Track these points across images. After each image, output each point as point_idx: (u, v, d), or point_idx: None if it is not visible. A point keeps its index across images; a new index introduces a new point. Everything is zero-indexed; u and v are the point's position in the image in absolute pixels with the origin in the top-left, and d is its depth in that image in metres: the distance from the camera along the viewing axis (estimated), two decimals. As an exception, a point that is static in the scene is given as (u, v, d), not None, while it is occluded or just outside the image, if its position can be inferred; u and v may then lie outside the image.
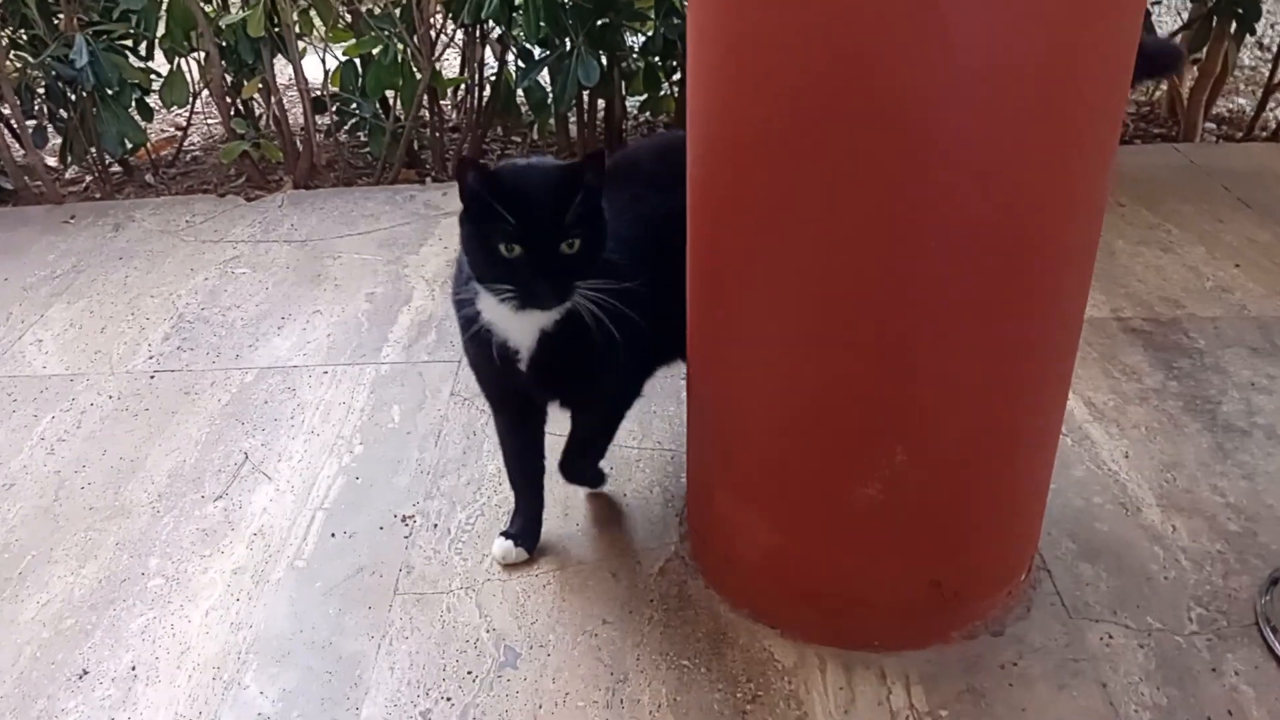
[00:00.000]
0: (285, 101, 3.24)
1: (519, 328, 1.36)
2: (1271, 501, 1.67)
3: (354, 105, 3.10)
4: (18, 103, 2.97)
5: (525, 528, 1.60)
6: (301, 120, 3.17)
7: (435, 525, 1.68)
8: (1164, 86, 3.38)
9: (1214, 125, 3.36)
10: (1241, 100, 3.56)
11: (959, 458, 1.32)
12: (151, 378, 2.12)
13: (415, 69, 2.92)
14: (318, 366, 2.12)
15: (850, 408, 1.27)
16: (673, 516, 1.67)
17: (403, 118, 3.10)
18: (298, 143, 3.20)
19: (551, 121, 3.27)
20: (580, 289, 1.29)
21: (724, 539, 1.51)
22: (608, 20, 2.79)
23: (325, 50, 3.17)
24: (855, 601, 1.41)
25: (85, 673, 1.44)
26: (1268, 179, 2.85)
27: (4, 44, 2.97)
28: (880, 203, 1.14)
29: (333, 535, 1.67)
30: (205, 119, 3.55)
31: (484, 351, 1.39)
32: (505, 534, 1.60)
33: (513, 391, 1.48)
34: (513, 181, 1.27)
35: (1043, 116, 1.12)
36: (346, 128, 3.25)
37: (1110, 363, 2.05)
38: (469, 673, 1.42)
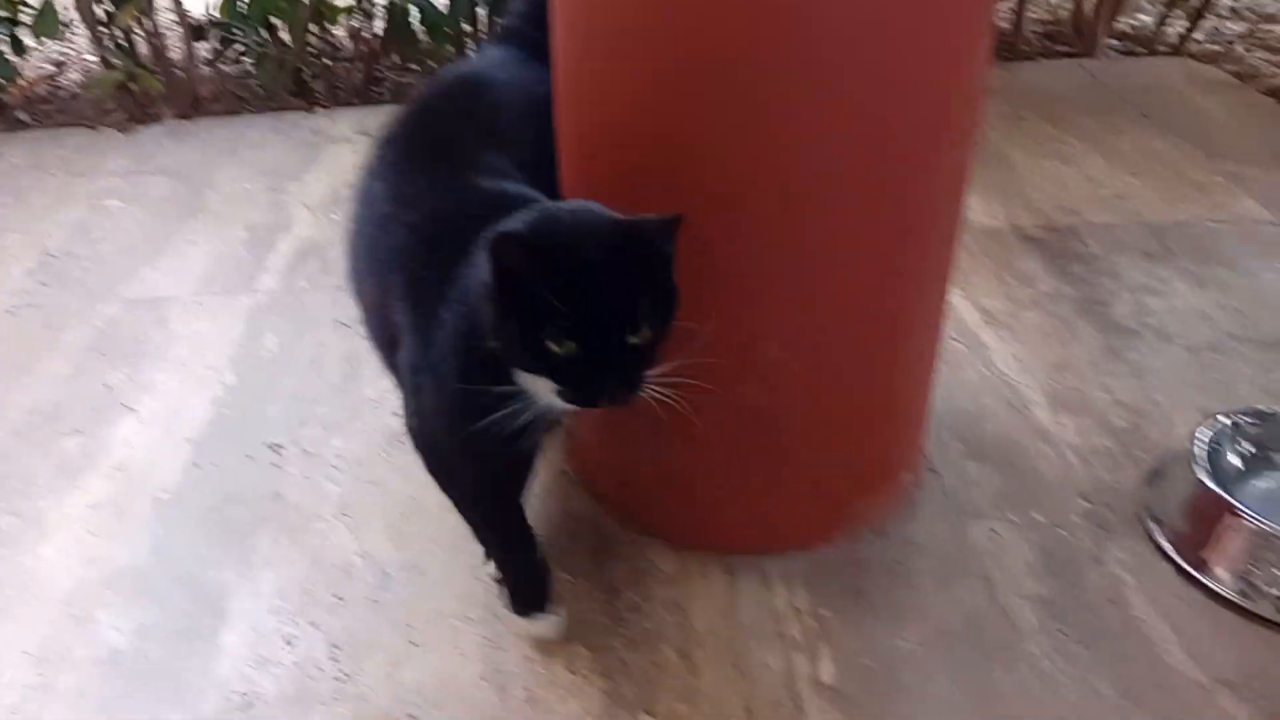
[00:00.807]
0: (165, 30, 3.07)
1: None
2: (1159, 398, 1.67)
3: (237, 32, 2.94)
4: None
5: (544, 586, 1.29)
6: (183, 49, 3.00)
7: (308, 452, 1.60)
8: (1069, 4, 3.37)
9: (1117, 41, 3.35)
10: (1145, 16, 3.56)
11: (836, 355, 1.28)
12: (11, 314, 2.00)
13: (299, -8, 2.77)
14: (190, 298, 2.01)
15: (722, 305, 1.22)
16: (558, 434, 1.62)
17: (290, 44, 2.95)
18: (179, 74, 3.03)
19: (449, 48, 3.15)
20: (649, 382, 1.03)
21: (604, 451, 1.46)
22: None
23: (205, -26, 3.00)
24: (737, 506, 1.38)
25: (-76, 616, 1.35)
26: (1168, 92, 2.85)
27: None
28: (754, 92, 1.09)
29: (198, 467, 1.59)
30: (86, 54, 3.35)
31: (514, 431, 1.08)
32: (530, 610, 1.27)
33: (528, 456, 1.25)
34: (567, 260, 0.97)
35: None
36: (231, 56, 3.09)
37: (1006, 270, 2.03)
38: (338, 597, 1.35)
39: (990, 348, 1.80)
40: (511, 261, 0.96)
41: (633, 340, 0.99)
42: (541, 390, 1.03)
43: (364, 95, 3.08)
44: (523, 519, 1.27)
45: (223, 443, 1.63)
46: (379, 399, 1.69)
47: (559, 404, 1.03)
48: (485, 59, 1.43)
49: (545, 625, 1.27)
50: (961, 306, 1.92)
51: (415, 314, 1.15)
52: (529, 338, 0.98)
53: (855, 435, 1.38)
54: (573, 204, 1.15)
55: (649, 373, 1.03)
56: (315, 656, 1.28)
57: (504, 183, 1.19)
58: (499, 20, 1.48)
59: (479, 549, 1.41)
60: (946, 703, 1.20)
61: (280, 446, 1.62)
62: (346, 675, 1.25)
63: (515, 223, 1.02)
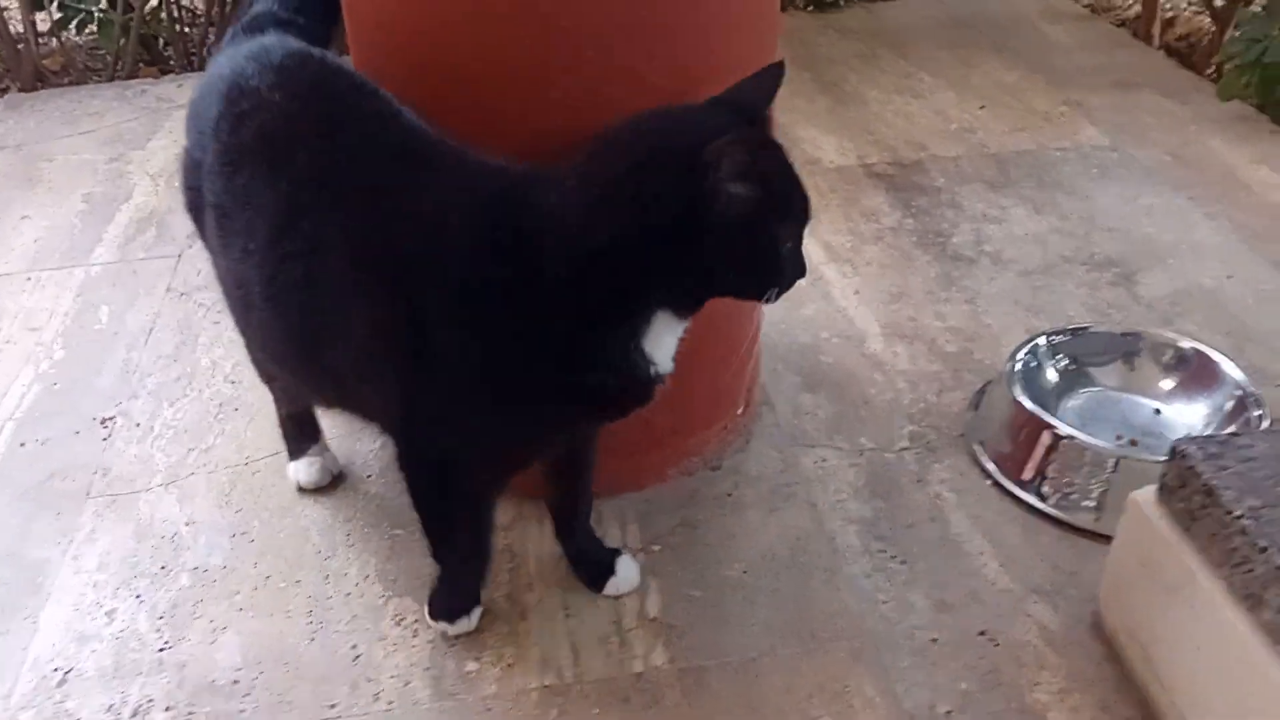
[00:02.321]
0: (5, 2, 2.92)
1: (670, 343, 1.05)
2: (990, 321, 1.72)
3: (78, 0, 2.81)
4: None
5: (472, 590, 1.23)
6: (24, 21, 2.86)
7: (138, 424, 1.56)
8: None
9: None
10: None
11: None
12: None
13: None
14: (20, 274, 1.93)
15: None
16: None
17: (134, 9, 2.84)
18: (19, 46, 2.89)
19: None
20: None
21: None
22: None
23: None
24: (567, 450, 1.38)
25: None
26: (1021, 24, 2.90)
27: None
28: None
29: (23, 444, 1.53)
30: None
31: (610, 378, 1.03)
32: (457, 615, 1.22)
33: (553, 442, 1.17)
34: (776, 156, 0.98)
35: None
36: (74, 25, 2.96)
37: (852, 207, 2.05)
38: (163, 567, 1.33)
39: (831, 283, 1.82)
40: (753, 170, 0.92)
41: None
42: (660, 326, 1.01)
43: (219, 58, 2.98)
44: (490, 539, 1.21)
45: (50, 419, 1.58)
46: (212, 366, 1.65)
47: (664, 344, 1.03)
48: (273, 47, 1.17)
49: (466, 623, 1.22)
50: (807, 244, 1.93)
51: (443, 314, 1.02)
52: (771, 248, 0.96)
53: (683, 376, 1.38)
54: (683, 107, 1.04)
55: None
56: (137, 628, 1.25)
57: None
58: (250, 5, 1.28)
59: (307, 511, 1.39)
60: (767, 627, 1.22)
61: (110, 419, 1.57)
62: (169, 644, 1.23)
63: (699, 136, 0.91)
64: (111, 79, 2.84)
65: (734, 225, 0.93)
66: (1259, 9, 2.45)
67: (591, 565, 1.28)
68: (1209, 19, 2.76)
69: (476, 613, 1.22)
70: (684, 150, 0.91)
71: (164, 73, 2.95)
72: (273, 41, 1.15)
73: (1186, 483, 1.05)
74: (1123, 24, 3.04)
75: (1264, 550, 0.94)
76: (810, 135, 2.33)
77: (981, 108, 2.43)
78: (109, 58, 2.91)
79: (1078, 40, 2.80)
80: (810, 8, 3.03)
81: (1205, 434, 1.08)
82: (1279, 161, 2.17)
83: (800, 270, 1.01)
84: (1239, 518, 0.97)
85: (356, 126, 1.08)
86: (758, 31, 1.27)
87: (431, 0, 1.14)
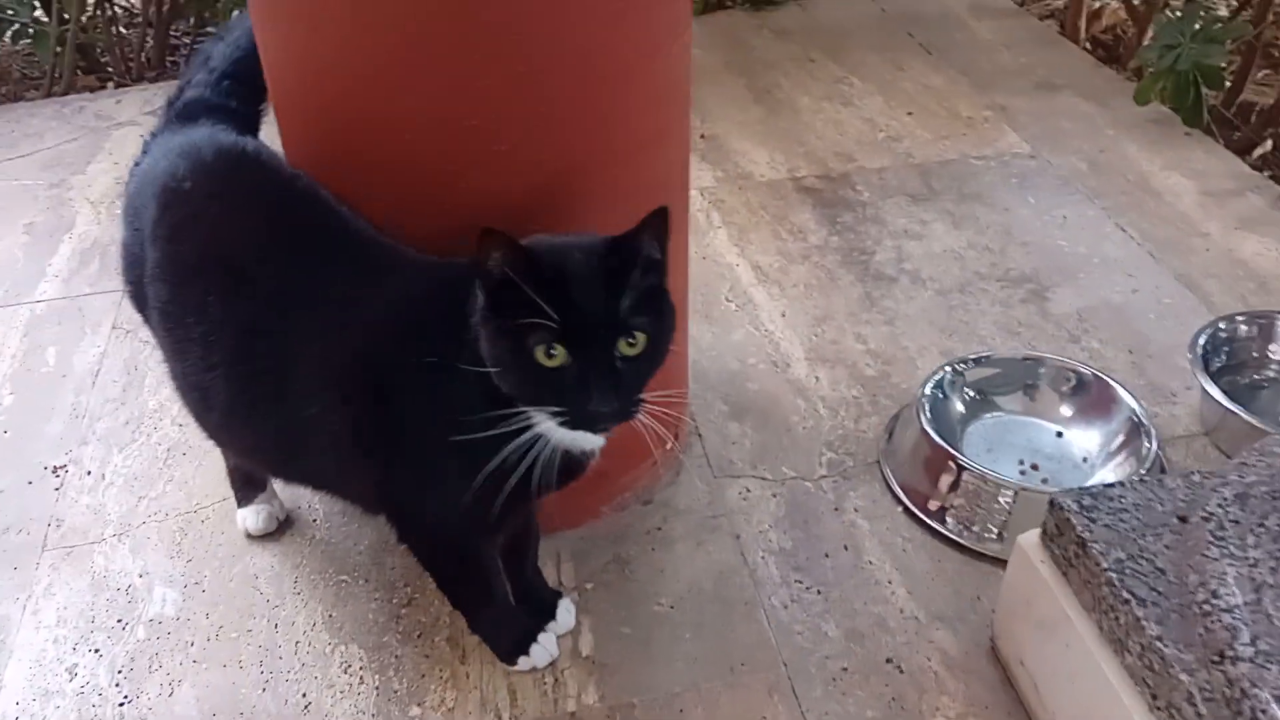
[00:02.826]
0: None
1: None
2: (907, 343, 1.81)
3: (9, 10, 2.79)
4: None
5: (523, 624, 1.32)
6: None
7: (89, 472, 1.61)
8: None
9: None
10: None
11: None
12: None
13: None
14: (-35, 313, 1.97)
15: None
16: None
17: (69, 18, 2.82)
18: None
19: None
20: (646, 402, 1.01)
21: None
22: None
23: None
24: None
25: None
26: (950, 23, 2.96)
27: None
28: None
29: (-24, 497, 1.59)
30: None
31: (534, 469, 1.05)
32: (522, 651, 1.30)
33: (529, 504, 1.20)
34: (550, 260, 0.97)
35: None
36: (8, 35, 2.94)
37: (781, 224, 2.13)
38: (119, 621, 1.39)
39: (759, 306, 1.90)
40: (497, 258, 0.94)
41: (626, 351, 0.97)
42: (547, 424, 1.02)
43: (159, 67, 2.97)
44: (502, 579, 1.29)
45: (3, 469, 1.63)
46: (159, 408, 1.70)
47: (564, 435, 1.03)
48: (204, 144, 1.21)
49: (541, 651, 1.30)
50: (739, 266, 2.01)
51: (412, 401, 1.09)
52: (520, 351, 0.96)
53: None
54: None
55: (644, 396, 1.01)
56: (98, 684, 1.32)
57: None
58: (181, 91, 1.32)
59: (255, 559, 1.46)
60: (690, 661, 1.31)
61: (61, 468, 1.62)
62: (128, 699, 1.30)
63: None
64: (49, 93, 2.84)
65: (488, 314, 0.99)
66: (1175, 14, 2.54)
67: (537, 604, 1.36)
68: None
69: (545, 637, 1.30)
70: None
71: (102, 82, 2.95)
72: (204, 138, 1.20)
73: (1063, 532, 1.14)
74: (1050, 15, 3.12)
75: (1126, 602, 1.04)
76: (744, 148, 2.39)
77: (909, 114, 2.51)
78: (45, 67, 2.90)
79: (1004, 37, 2.88)
80: (747, 5, 3.07)
81: (1082, 486, 1.17)
82: (1189, 167, 2.27)
83: (587, 398, 0.96)
84: (1106, 570, 1.07)
85: (303, 235, 1.15)
86: (662, 120, 1.32)
87: (352, 103, 1.19)
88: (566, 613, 1.35)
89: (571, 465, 1.12)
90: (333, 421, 1.13)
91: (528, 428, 1.03)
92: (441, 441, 1.08)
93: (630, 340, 0.97)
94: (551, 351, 0.96)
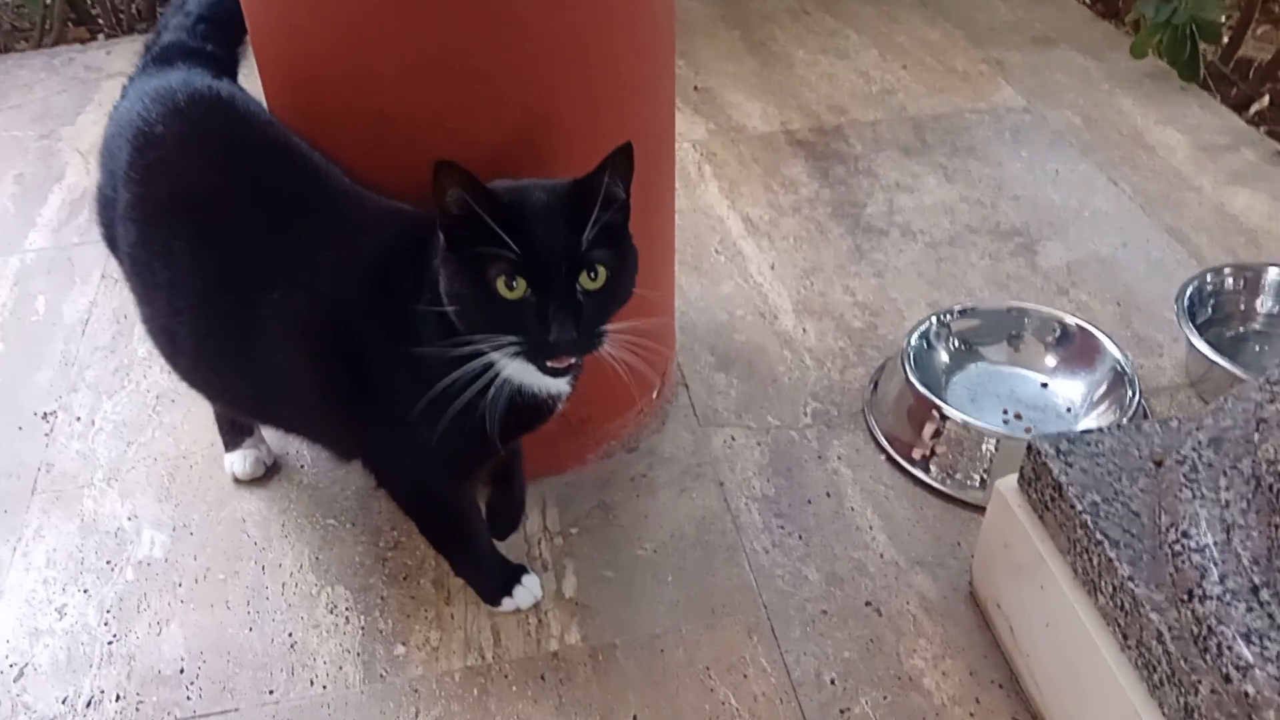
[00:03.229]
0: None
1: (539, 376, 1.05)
2: (895, 295, 1.81)
3: (-4, -42, 2.77)
4: None
5: (505, 565, 1.33)
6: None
7: (78, 419, 1.62)
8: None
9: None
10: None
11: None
12: None
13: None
14: (-45, 262, 1.97)
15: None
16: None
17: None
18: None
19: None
20: (608, 335, 1.01)
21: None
22: None
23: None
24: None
25: None
26: (948, -25, 2.93)
27: None
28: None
29: (-33, 442, 1.60)
30: None
31: (494, 409, 1.05)
32: (505, 593, 1.31)
33: (497, 449, 1.16)
34: (511, 196, 0.98)
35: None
36: (-3, -15, 2.92)
37: (772, 177, 2.12)
38: (108, 562, 1.41)
39: (748, 258, 1.90)
40: (456, 191, 0.94)
41: (587, 284, 0.97)
42: (504, 361, 1.02)
43: (149, 19, 2.95)
44: (483, 523, 1.31)
45: (-8, 415, 1.64)
46: (148, 356, 1.70)
47: (523, 372, 1.03)
48: (179, 88, 1.20)
49: (525, 592, 1.31)
50: (729, 218, 2.01)
51: (375, 345, 1.09)
52: (479, 284, 0.96)
53: (599, 366, 1.47)
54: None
55: (608, 328, 1.01)
56: (87, 622, 1.34)
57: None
58: (159, 34, 1.32)
59: (243, 503, 1.47)
60: (672, 604, 1.33)
61: (51, 414, 1.63)
62: (116, 637, 1.32)
63: None
64: (39, 44, 2.82)
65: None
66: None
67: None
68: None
69: (528, 579, 1.32)
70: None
71: (92, 34, 2.92)
72: (179, 82, 1.19)
73: (1040, 476, 1.15)
74: (1049, -29, 3.08)
75: (1099, 543, 1.05)
76: (737, 100, 2.38)
77: (904, 68, 2.49)
78: (36, 18, 2.88)
79: (1003, -9, 2.85)
80: (743, -42, 3.03)
81: (1059, 428, 1.18)
82: (1184, 122, 2.26)
83: (546, 329, 0.96)
84: (1081, 512, 1.08)
85: (271, 184, 1.14)
86: (647, 67, 1.31)
87: (333, 46, 1.18)
88: (531, 585, 1.34)
89: (537, 407, 1.12)
90: (300, 369, 1.14)
91: (487, 366, 1.02)
92: (403, 386, 1.08)
93: (591, 274, 0.98)
94: (512, 283, 0.96)
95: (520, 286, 0.96)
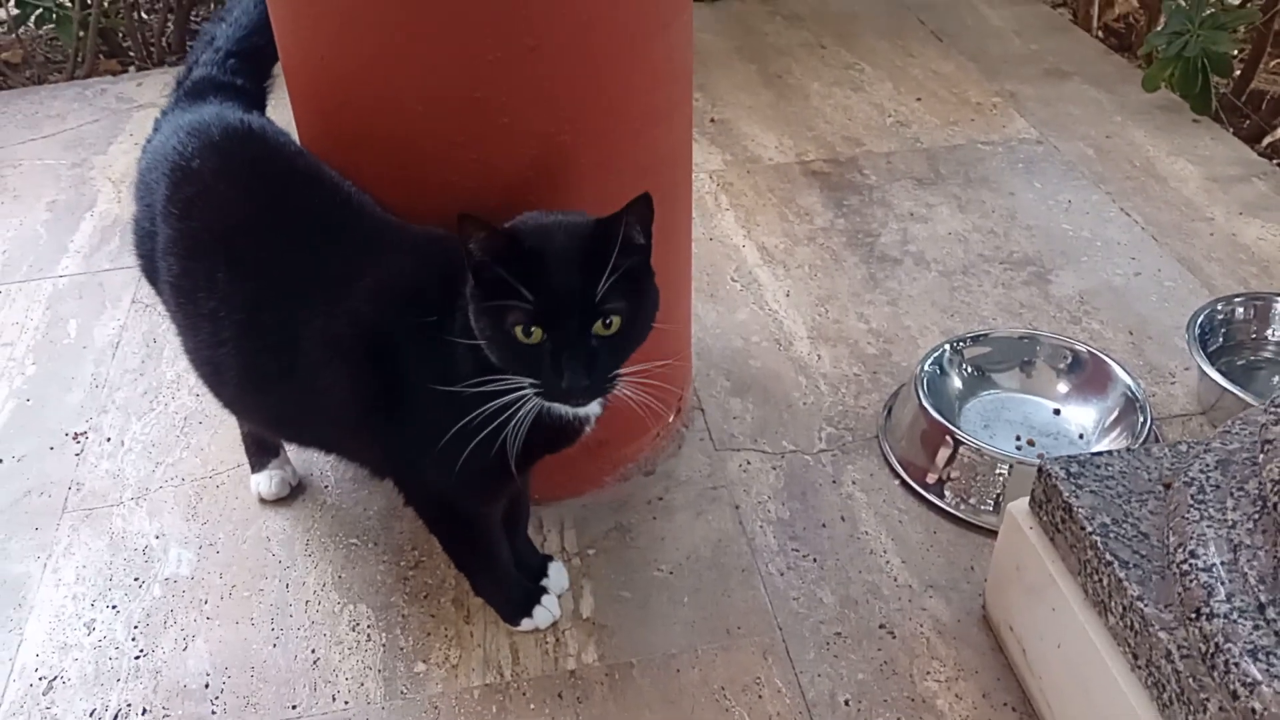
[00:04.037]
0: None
1: None
2: (909, 323, 1.83)
3: (33, -6, 2.85)
4: None
5: (518, 586, 1.36)
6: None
7: (108, 439, 1.66)
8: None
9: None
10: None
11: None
12: None
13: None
14: (-10, 287, 2.02)
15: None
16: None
17: (91, 3, 2.88)
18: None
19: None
20: (621, 379, 1.05)
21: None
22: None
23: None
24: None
25: None
26: (960, 9, 2.98)
27: None
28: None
29: (0, 461, 1.64)
30: None
31: (519, 432, 1.07)
32: (525, 613, 1.34)
33: (525, 469, 1.20)
34: (529, 243, 1.00)
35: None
36: (32, 20, 3.00)
37: (787, 207, 2.16)
38: (136, 579, 1.44)
39: (764, 286, 1.93)
40: (477, 242, 0.98)
41: (601, 331, 1.00)
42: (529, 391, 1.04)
43: (180, 51, 3.03)
44: (505, 544, 1.33)
45: (24, 435, 1.68)
46: (176, 379, 1.75)
47: (544, 403, 1.06)
48: (213, 123, 1.24)
49: (544, 613, 1.34)
50: (745, 247, 2.04)
51: (408, 369, 1.13)
52: (498, 327, 1.00)
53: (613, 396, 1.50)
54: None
55: (622, 372, 1.04)
56: (115, 637, 1.37)
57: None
58: (190, 70, 1.36)
59: (268, 522, 1.50)
60: (688, 625, 1.35)
61: (81, 435, 1.67)
62: (144, 652, 1.35)
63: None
64: (72, 76, 2.89)
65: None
66: (1184, 1, 2.54)
67: (527, 570, 1.40)
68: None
69: (547, 599, 1.34)
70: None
71: (124, 66, 3.00)
72: (212, 116, 1.24)
73: (1051, 498, 1.17)
74: (1062, 3, 3.12)
75: (1109, 564, 1.07)
76: (753, 132, 2.42)
77: (918, 100, 2.53)
78: (69, 51, 2.96)
79: (1015, 24, 2.89)
80: (759, -7, 3.09)
81: (1072, 455, 1.19)
82: (1196, 153, 2.28)
83: (560, 375, 1.00)
84: (1091, 533, 1.10)
85: (307, 212, 1.18)
86: (664, 98, 1.35)
87: (359, 77, 1.22)
88: (559, 572, 1.39)
89: (566, 430, 1.15)
90: (338, 390, 1.18)
91: (515, 390, 1.05)
92: (436, 407, 1.11)
93: (606, 323, 1.01)
94: (529, 331, 1.00)
95: (536, 334, 1.00)
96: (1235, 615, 0.94)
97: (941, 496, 1.49)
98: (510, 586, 1.35)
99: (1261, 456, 0.99)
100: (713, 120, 2.45)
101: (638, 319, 1.04)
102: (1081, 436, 1.56)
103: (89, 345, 1.86)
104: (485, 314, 1.02)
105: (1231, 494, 1.04)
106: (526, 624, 1.34)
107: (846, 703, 1.25)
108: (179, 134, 1.23)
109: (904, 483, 1.53)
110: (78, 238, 2.15)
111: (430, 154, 1.23)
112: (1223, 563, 0.98)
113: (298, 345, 1.17)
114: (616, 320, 1.01)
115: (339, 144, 1.27)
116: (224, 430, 1.63)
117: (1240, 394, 1.53)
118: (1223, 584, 0.97)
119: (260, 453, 1.53)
